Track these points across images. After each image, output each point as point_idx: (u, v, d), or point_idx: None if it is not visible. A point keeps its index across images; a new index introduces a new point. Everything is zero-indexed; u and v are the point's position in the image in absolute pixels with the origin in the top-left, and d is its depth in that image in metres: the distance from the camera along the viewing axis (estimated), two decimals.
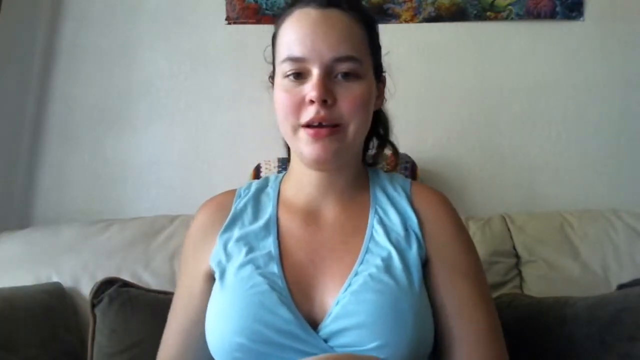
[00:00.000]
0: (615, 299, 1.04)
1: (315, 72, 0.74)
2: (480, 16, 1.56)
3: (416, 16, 1.56)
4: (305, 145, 0.76)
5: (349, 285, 0.73)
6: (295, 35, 0.76)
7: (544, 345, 1.03)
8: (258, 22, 1.57)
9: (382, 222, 0.80)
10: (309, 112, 0.75)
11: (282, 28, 0.79)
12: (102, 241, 1.33)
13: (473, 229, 1.35)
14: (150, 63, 1.60)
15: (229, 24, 1.58)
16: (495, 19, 1.56)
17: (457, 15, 1.56)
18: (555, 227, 1.35)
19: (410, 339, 0.70)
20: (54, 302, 1.20)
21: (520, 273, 1.31)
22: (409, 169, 1.37)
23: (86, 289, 1.24)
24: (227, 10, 1.58)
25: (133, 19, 1.60)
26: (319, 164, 0.78)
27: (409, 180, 0.88)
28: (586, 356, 0.98)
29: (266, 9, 1.56)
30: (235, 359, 0.72)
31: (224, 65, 1.59)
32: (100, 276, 1.20)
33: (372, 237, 0.79)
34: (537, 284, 1.27)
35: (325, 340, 0.71)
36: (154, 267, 1.28)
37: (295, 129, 0.77)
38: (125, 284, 1.16)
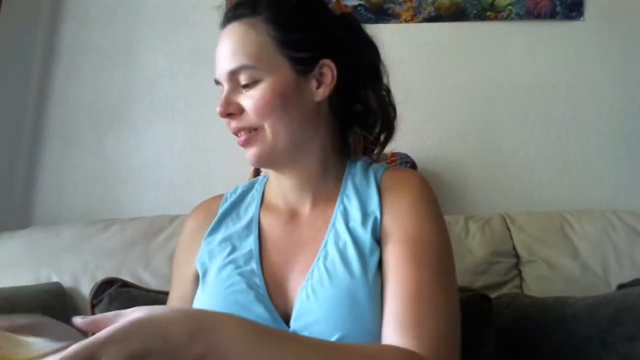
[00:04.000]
0: (615, 299, 1.04)
1: (224, 89, 0.80)
2: (480, 16, 1.56)
3: (416, 16, 1.56)
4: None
5: (307, 280, 0.74)
6: (215, 57, 0.82)
7: (544, 345, 1.03)
8: None
9: (345, 211, 0.80)
10: None
11: None
12: (102, 241, 1.33)
13: (473, 229, 1.35)
14: (150, 63, 1.60)
15: None
16: (495, 19, 1.56)
17: (457, 15, 1.56)
18: (555, 227, 1.34)
19: (369, 326, 0.70)
20: (54, 302, 1.20)
21: (520, 273, 1.31)
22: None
23: (86, 289, 1.24)
24: None
25: (133, 19, 1.60)
26: (257, 166, 0.83)
27: (384, 166, 0.87)
28: (586, 356, 0.98)
29: None
30: None
31: None
32: (100, 276, 1.20)
33: (333, 226, 0.79)
34: (537, 284, 1.27)
35: None
36: (154, 267, 1.28)
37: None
38: (125, 284, 1.16)
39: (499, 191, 1.55)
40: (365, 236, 0.76)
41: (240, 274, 0.77)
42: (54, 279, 1.27)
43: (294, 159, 0.82)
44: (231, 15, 0.81)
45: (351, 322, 0.70)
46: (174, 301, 0.86)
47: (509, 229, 1.36)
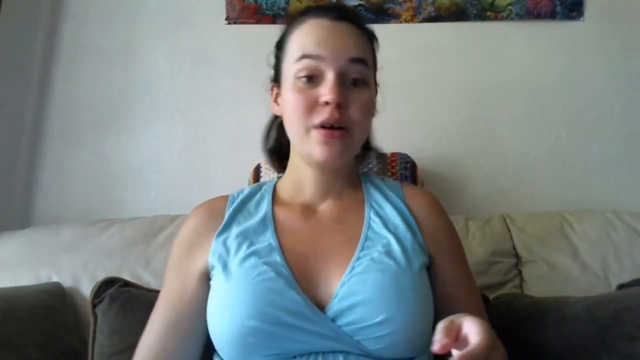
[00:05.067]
0: (615, 299, 1.04)
1: (330, 75, 0.79)
2: (480, 16, 1.56)
3: (416, 16, 1.56)
4: (316, 145, 0.80)
5: (353, 268, 0.78)
6: (312, 37, 0.81)
7: (544, 345, 1.03)
8: (258, 22, 1.57)
9: (378, 214, 0.86)
10: (323, 114, 0.79)
11: (293, 34, 0.84)
12: (102, 241, 1.33)
13: (473, 229, 1.35)
14: (150, 63, 1.60)
15: (229, 24, 1.58)
16: (495, 19, 1.56)
17: (457, 15, 1.56)
18: (555, 227, 1.34)
19: (412, 312, 0.76)
20: (54, 302, 1.20)
21: (520, 273, 1.31)
22: (409, 169, 1.37)
23: (86, 289, 1.24)
24: (227, 10, 1.58)
25: (133, 19, 1.60)
26: (326, 164, 0.82)
27: (398, 183, 0.94)
28: (586, 356, 0.98)
29: (266, 9, 1.56)
30: (248, 344, 0.74)
31: (224, 65, 1.59)
32: (100, 276, 1.20)
33: (370, 226, 0.84)
34: (537, 284, 1.27)
35: (333, 320, 0.75)
36: (154, 267, 1.28)
37: (307, 130, 0.81)
38: (126, 283, 1.16)
39: (499, 191, 1.56)
40: (407, 239, 0.83)
41: (266, 264, 0.78)
42: (54, 279, 1.27)
43: (348, 165, 0.89)
44: (343, 16, 0.83)
45: (395, 306, 0.75)
46: (171, 289, 0.85)
47: (509, 229, 1.36)
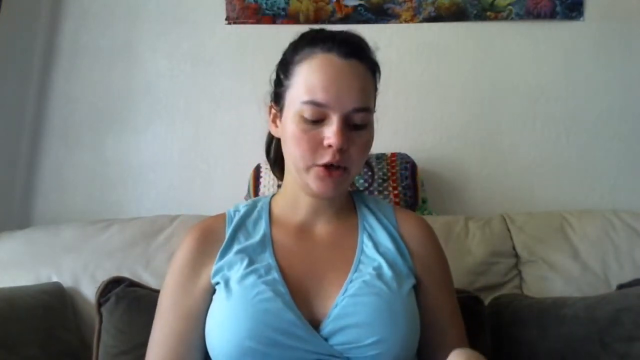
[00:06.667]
0: (615, 299, 1.04)
1: (335, 119, 0.80)
2: (480, 16, 1.56)
3: (416, 16, 1.56)
4: (314, 181, 0.83)
5: (346, 290, 0.81)
6: (319, 81, 0.80)
7: (543, 346, 1.03)
8: (258, 22, 1.57)
9: (371, 237, 0.89)
10: (326, 156, 0.81)
11: (302, 66, 0.83)
12: (102, 241, 1.33)
13: (473, 229, 1.35)
14: (150, 63, 1.60)
15: (229, 24, 1.58)
16: (495, 19, 1.56)
17: (457, 15, 1.56)
18: (555, 227, 1.34)
19: (403, 334, 0.79)
20: (54, 302, 1.20)
21: (520, 273, 1.31)
22: (409, 169, 1.37)
23: (86, 289, 1.24)
24: (227, 10, 1.58)
25: (133, 18, 1.60)
26: (322, 197, 0.86)
27: (391, 205, 0.97)
28: (586, 356, 0.98)
29: (266, 9, 1.56)
30: None
31: (224, 65, 1.59)
32: (100, 276, 1.20)
33: (362, 250, 0.87)
34: (537, 284, 1.27)
35: (326, 339, 0.78)
36: (154, 267, 1.28)
37: (308, 167, 0.83)
38: (132, 283, 1.15)
39: (499, 191, 1.56)
40: (398, 263, 0.86)
41: (265, 283, 0.81)
42: (54, 279, 1.27)
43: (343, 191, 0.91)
44: (353, 52, 0.83)
45: (388, 329, 0.78)
46: (180, 310, 0.85)
47: (509, 229, 1.36)
